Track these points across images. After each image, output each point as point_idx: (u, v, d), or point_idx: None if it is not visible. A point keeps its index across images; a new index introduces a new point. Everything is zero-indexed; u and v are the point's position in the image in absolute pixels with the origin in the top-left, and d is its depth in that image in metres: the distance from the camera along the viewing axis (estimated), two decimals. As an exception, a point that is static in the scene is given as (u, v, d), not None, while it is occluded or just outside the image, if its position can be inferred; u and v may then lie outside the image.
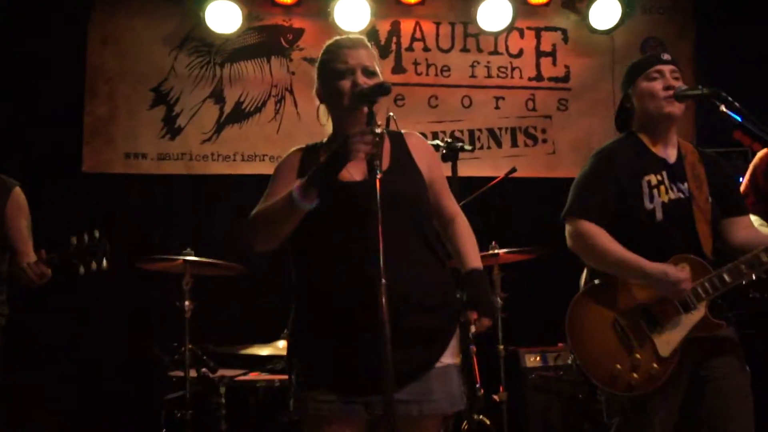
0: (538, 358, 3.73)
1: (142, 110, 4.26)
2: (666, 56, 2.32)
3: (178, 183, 4.27)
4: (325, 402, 1.78)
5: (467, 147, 3.11)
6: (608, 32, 4.39)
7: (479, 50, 4.55)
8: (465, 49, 4.54)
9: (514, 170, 3.90)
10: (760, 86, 3.95)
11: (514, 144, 4.55)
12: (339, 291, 1.79)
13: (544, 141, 4.56)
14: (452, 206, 2.00)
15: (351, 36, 2.01)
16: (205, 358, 3.15)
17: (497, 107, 4.54)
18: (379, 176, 1.66)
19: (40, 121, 4.08)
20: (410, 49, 4.49)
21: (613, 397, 2.22)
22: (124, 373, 3.95)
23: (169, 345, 3.19)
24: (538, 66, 4.61)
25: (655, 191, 2.24)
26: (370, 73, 1.89)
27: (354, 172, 1.83)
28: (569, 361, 2.39)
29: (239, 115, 4.36)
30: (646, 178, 2.25)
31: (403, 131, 2.05)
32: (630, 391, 2.16)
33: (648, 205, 2.23)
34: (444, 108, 4.48)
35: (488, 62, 4.56)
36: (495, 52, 4.57)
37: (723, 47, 4.50)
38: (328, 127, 2.01)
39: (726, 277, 2.15)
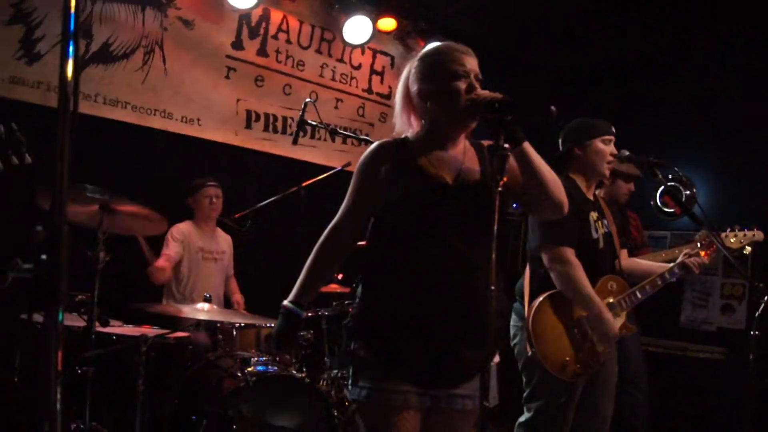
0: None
1: (-3, 22, 3.87)
2: (613, 129, 2.89)
3: (32, 111, 3.95)
4: (400, 393, 1.84)
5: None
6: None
7: (329, 55, 5.20)
8: (318, 51, 5.14)
9: (348, 164, 4.70)
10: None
11: (344, 142, 5.31)
12: (437, 290, 1.85)
13: (366, 143, 5.40)
14: None
15: (459, 44, 2.00)
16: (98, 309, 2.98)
17: (336, 107, 5.25)
18: (499, 189, 1.68)
19: None
20: (275, 37, 4.91)
21: (547, 383, 2.69)
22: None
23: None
24: (370, 81, 5.46)
25: (596, 225, 2.80)
26: (480, 81, 1.92)
27: (460, 174, 1.94)
28: (529, 353, 2.70)
29: (106, 56, 4.23)
30: (591, 214, 2.79)
31: (483, 142, 2.06)
32: (574, 378, 2.68)
33: (594, 236, 2.77)
34: (295, 97, 4.99)
35: (334, 67, 5.24)
36: (341, 60, 5.27)
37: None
38: (400, 127, 2.04)
39: (638, 294, 2.85)
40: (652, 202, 5.72)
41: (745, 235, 3.17)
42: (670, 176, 5.68)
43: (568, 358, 2.69)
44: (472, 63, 1.95)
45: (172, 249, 3.96)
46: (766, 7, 4.47)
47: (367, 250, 2.03)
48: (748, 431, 2.97)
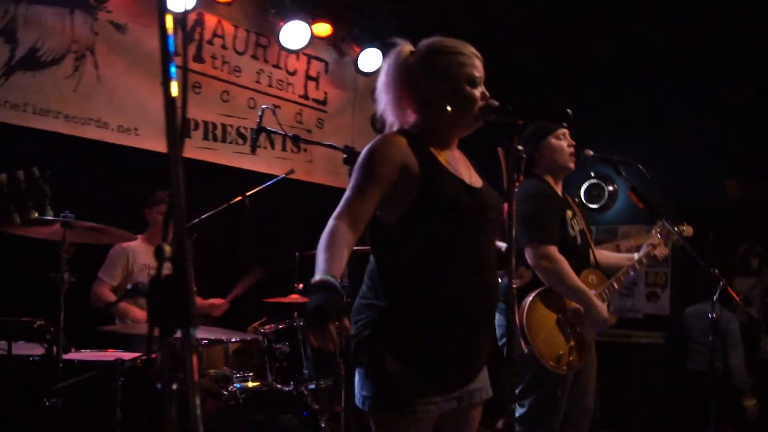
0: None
1: None
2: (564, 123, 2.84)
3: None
4: (434, 403, 1.84)
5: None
6: (369, 75, 5.42)
7: (265, 61, 5.08)
8: (254, 57, 5.01)
9: (292, 171, 4.62)
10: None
11: (284, 149, 5.20)
12: (471, 293, 1.86)
13: (305, 150, 5.33)
14: None
15: (470, 46, 2.00)
16: (56, 334, 2.72)
17: (275, 114, 5.12)
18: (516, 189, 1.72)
19: None
20: (211, 42, 4.73)
21: (541, 377, 2.72)
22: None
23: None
24: (306, 87, 5.39)
25: (572, 222, 2.92)
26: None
27: (470, 176, 1.98)
28: (525, 351, 2.73)
29: (33, 62, 3.90)
30: (567, 211, 2.91)
31: None
32: (570, 370, 2.77)
33: (572, 233, 2.89)
34: (234, 104, 4.85)
35: (270, 73, 5.12)
36: (277, 66, 5.16)
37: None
38: (389, 116, 1.99)
39: (615, 285, 2.95)
40: (576, 199, 6.02)
41: (676, 229, 3.41)
42: (591, 174, 6.01)
43: (562, 352, 2.77)
44: (481, 68, 1.98)
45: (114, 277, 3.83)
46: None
47: (386, 254, 1.91)
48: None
